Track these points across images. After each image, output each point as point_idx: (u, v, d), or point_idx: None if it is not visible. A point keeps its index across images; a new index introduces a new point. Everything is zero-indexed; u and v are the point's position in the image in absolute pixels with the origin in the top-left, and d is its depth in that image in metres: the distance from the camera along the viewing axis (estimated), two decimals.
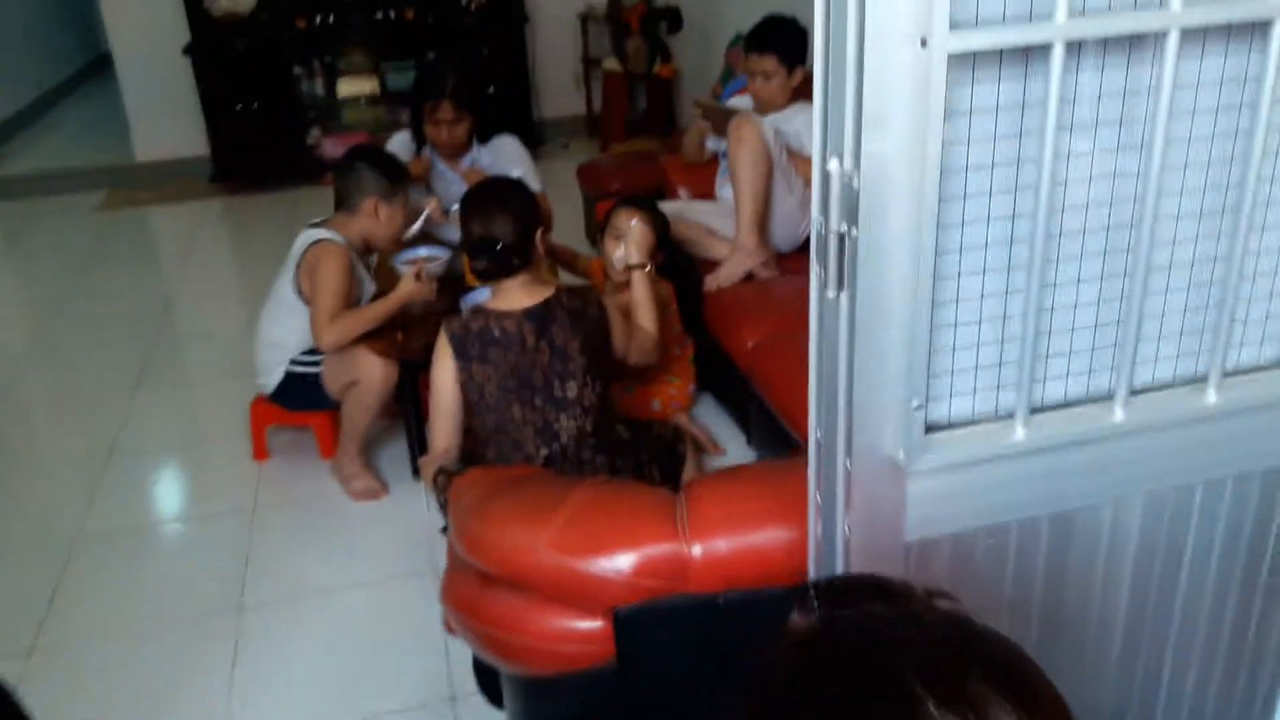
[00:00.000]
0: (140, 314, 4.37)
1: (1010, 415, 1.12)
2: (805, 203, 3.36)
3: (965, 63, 0.96)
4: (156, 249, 5.47)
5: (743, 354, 2.99)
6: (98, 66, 8.50)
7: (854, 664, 0.77)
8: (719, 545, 1.31)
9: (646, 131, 5.80)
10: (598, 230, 4.09)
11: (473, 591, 1.44)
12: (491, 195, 2.45)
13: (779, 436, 2.81)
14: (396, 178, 2.98)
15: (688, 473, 2.71)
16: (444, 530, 2.76)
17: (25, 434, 3.54)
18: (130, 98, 5.91)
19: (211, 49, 5.50)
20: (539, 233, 2.43)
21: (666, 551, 1.31)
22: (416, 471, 3.06)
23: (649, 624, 1.32)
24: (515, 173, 3.46)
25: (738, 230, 3.26)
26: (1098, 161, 1.04)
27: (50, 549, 2.86)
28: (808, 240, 3.48)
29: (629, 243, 2.84)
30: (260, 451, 3.24)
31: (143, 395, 3.69)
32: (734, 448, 3.18)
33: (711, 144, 3.76)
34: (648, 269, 2.79)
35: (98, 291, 4.69)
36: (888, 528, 1.13)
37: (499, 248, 2.32)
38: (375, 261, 3.19)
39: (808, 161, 3.26)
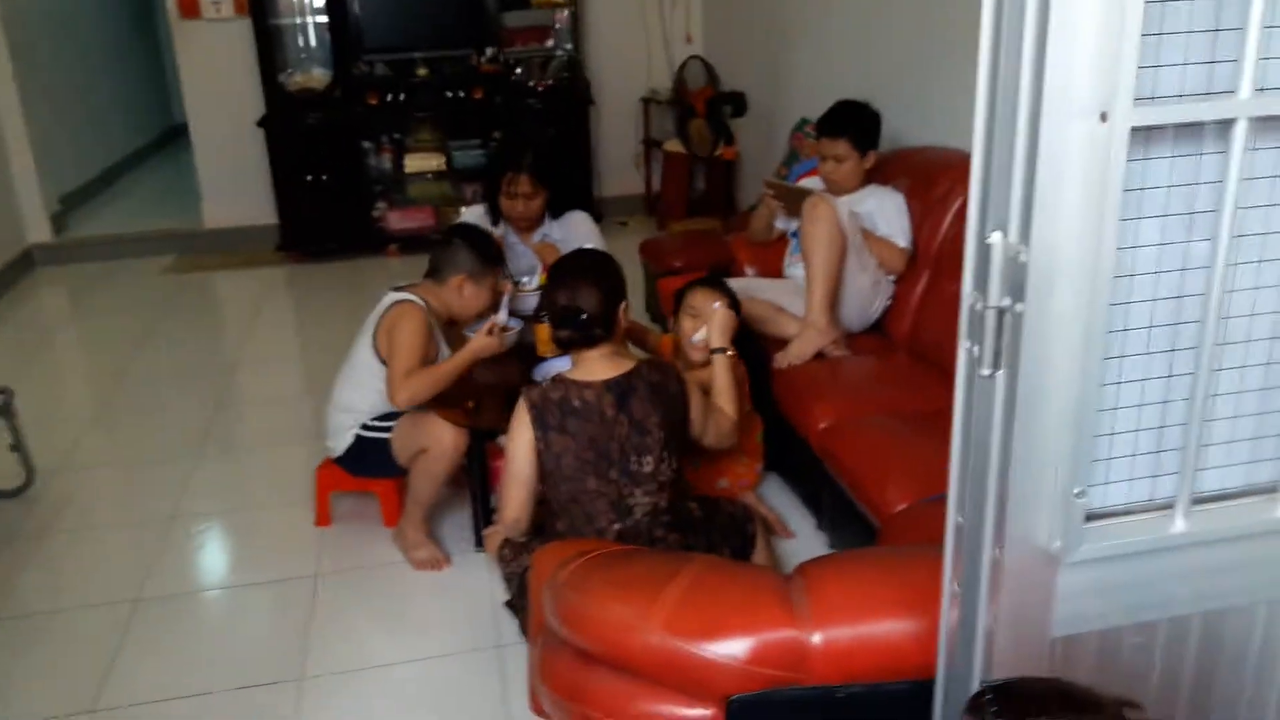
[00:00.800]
0: (205, 377, 4.40)
1: (1168, 505, 1.06)
2: (878, 282, 3.34)
3: (1140, 137, 0.93)
4: (222, 313, 5.54)
5: (815, 434, 2.93)
6: (171, 136, 8.77)
7: None
8: (841, 633, 1.24)
9: (705, 211, 5.84)
10: (659, 306, 4.10)
11: (573, 672, 1.38)
12: (579, 266, 2.46)
13: (852, 519, 2.74)
14: (490, 261, 3.02)
15: (758, 555, 2.64)
16: (507, 604, 2.71)
17: (89, 494, 3.53)
18: (203, 166, 6.06)
19: (284, 122, 5.64)
20: (623, 305, 2.42)
21: (785, 638, 1.24)
22: (479, 543, 3.02)
23: (765, 715, 1.26)
24: (589, 246, 3.48)
25: (809, 309, 3.24)
26: (1271, 244, 1.00)
27: (112, 612, 2.82)
28: (878, 320, 3.46)
29: (712, 326, 2.81)
30: (324, 518, 3.21)
31: (206, 458, 3.69)
32: (804, 530, 3.11)
33: (780, 223, 3.76)
34: (729, 353, 2.77)
35: (163, 354, 4.73)
36: (1034, 622, 1.07)
37: (584, 318, 2.31)
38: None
39: (881, 242, 3.30)
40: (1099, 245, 0.90)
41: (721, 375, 2.71)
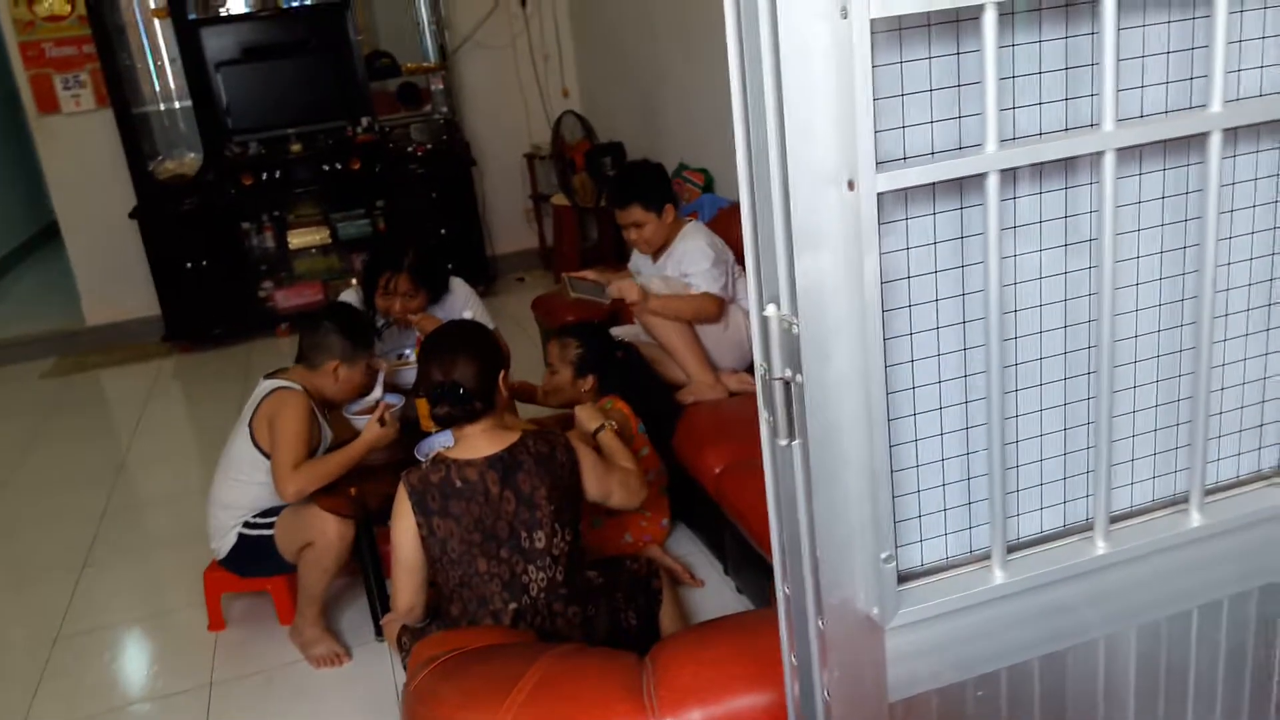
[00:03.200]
0: (90, 482, 4.23)
1: (986, 556, 1.05)
2: (726, 327, 3.36)
3: (898, 198, 0.93)
4: (108, 413, 5.35)
5: (710, 478, 2.92)
6: (47, 235, 8.50)
7: None
8: (692, 718, 1.21)
9: (600, 262, 5.84)
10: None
11: None
12: (451, 340, 2.40)
13: (756, 563, 2.72)
14: (362, 343, 2.96)
15: (666, 611, 2.59)
16: None
17: None
18: (78, 263, 5.89)
19: (158, 211, 5.50)
20: (501, 375, 2.37)
21: None
22: (379, 631, 2.92)
23: None
24: (466, 314, 3.43)
25: (688, 376, 3.29)
26: (1047, 288, 1.00)
27: None
28: None
29: (580, 421, 2.77)
30: (216, 622, 3.09)
31: (92, 568, 3.54)
32: (711, 577, 3.08)
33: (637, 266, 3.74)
34: (606, 428, 2.73)
35: (47, 461, 4.56)
36: (869, 688, 1.04)
37: (461, 393, 2.25)
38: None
39: (688, 302, 3.27)
40: (864, 310, 0.89)
41: (610, 445, 2.68)
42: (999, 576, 1.03)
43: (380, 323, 3.44)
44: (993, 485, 1.01)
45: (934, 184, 0.93)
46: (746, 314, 3.40)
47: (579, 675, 1.30)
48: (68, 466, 4.47)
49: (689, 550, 3.24)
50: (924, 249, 0.96)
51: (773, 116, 0.86)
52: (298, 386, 2.83)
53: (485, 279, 5.83)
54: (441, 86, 5.92)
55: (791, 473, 0.98)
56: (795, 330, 0.90)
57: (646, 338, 3.45)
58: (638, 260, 3.57)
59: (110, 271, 5.81)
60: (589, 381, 3.16)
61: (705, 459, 2.97)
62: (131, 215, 5.50)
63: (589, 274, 3.82)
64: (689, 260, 3.31)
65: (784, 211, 0.88)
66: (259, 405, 2.83)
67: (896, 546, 0.99)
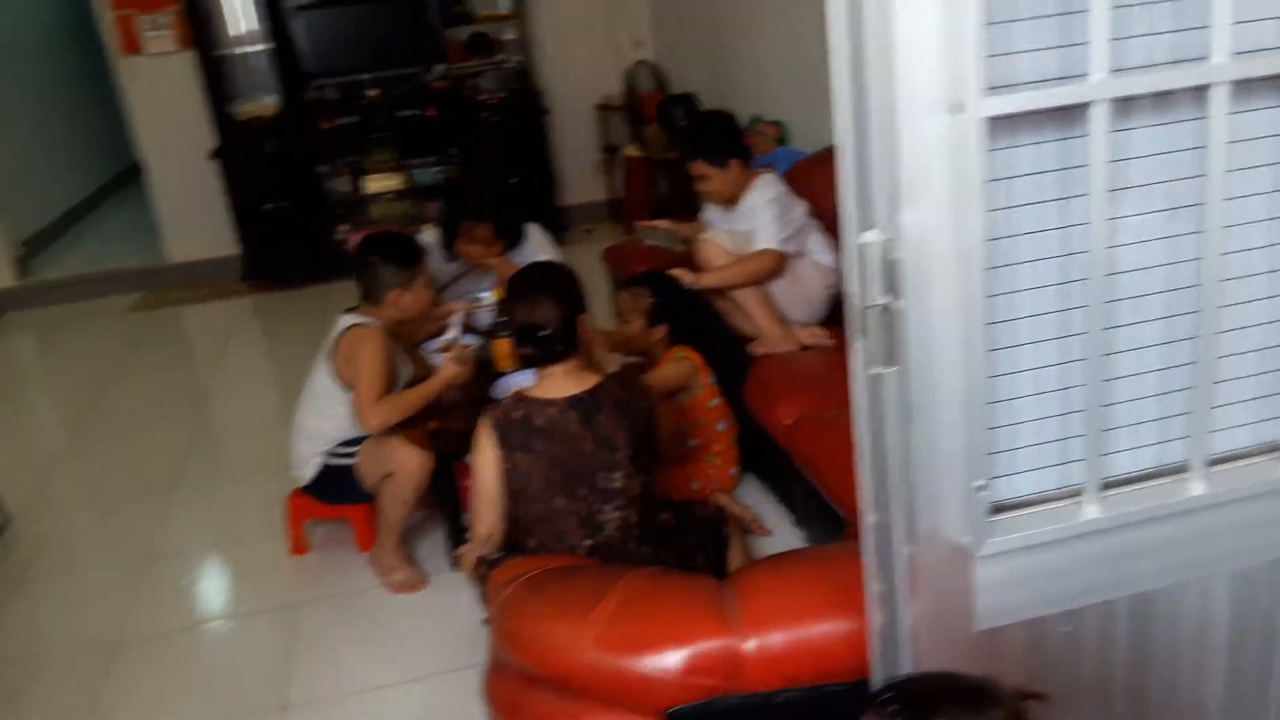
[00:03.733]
0: (176, 412, 4.39)
1: (1079, 493, 1.06)
2: (796, 279, 3.35)
3: (1004, 126, 0.93)
4: (190, 348, 5.52)
5: (782, 430, 2.93)
6: (131, 174, 8.72)
7: None
8: (774, 639, 1.24)
9: (669, 214, 5.82)
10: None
11: (516, 692, 1.38)
12: (536, 282, 2.42)
13: (825, 515, 2.74)
14: (412, 263, 2.98)
15: (734, 557, 2.63)
16: (486, 622, 2.71)
17: (65, 536, 3.53)
18: (161, 201, 6.04)
19: (238, 152, 5.62)
20: (582, 319, 2.40)
21: (718, 647, 1.24)
22: (455, 562, 3.01)
23: None
24: (543, 258, 3.47)
25: (757, 329, 3.29)
26: (1150, 224, 1.00)
27: (94, 654, 2.82)
28: (836, 310, 3.49)
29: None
30: (298, 547, 3.21)
31: (180, 494, 3.68)
32: (780, 528, 3.10)
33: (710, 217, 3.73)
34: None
35: (132, 392, 4.73)
36: (956, 616, 1.06)
37: (545, 335, 2.29)
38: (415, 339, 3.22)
39: (748, 262, 3.27)
40: (967, 237, 0.90)
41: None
42: (1092, 511, 1.05)
43: (458, 269, 3.50)
44: (1090, 420, 1.01)
45: (1040, 112, 0.93)
46: (817, 267, 3.39)
47: (663, 593, 1.34)
48: (154, 396, 4.64)
49: (757, 501, 3.27)
50: (1028, 179, 0.96)
51: (879, 39, 0.87)
52: (375, 322, 2.90)
53: (555, 230, 5.83)
54: (515, 35, 5.92)
55: (885, 401, 1.00)
56: (896, 256, 0.92)
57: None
58: (711, 212, 3.58)
59: (191, 211, 5.95)
60: (660, 330, 3.18)
61: (777, 411, 2.98)
62: (212, 156, 5.62)
63: (662, 224, 3.84)
64: (754, 214, 3.31)
65: (888, 137, 0.89)
66: (338, 341, 2.91)
67: (991, 477, 1.01)
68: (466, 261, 3.47)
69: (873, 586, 1.12)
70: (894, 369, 0.97)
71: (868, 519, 1.10)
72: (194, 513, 3.56)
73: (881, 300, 0.94)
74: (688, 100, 5.30)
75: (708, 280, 3.26)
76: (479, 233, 3.36)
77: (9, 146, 6.33)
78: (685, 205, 5.77)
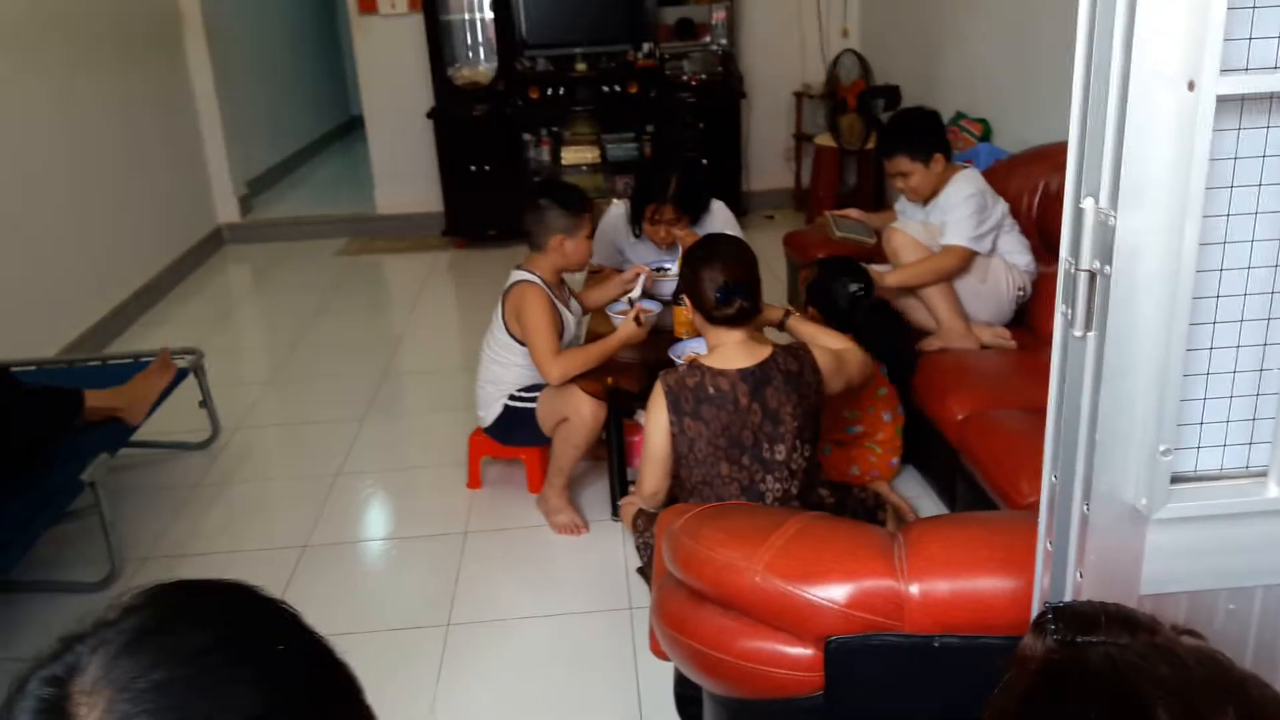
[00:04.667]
0: (371, 350, 4.72)
1: (1263, 473, 1.08)
2: (984, 280, 3.31)
3: (1232, 107, 0.97)
4: (389, 292, 5.90)
5: (952, 426, 2.95)
6: (349, 127, 9.33)
7: (1101, 694, 0.76)
8: (939, 587, 1.30)
9: (855, 205, 5.82)
10: (801, 297, 4.16)
11: (684, 609, 1.49)
12: (730, 247, 2.53)
13: (986, 509, 2.74)
14: (579, 210, 3.08)
15: None
16: (640, 571, 2.85)
17: (265, 450, 3.87)
18: (376, 154, 6.46)
19: (452, 114, 5.94)
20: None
21: (883, 587, 1.32)
22: (616, 512, 3.17)
23: (861, 658, 1.33)
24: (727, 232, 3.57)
25: (939, 324, 3.29)
26: None
27: (283, 555, 3.11)
28: (1023, 311, 3.44)
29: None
30: (474, 481, 3.43)
31: (369, 422, 3.98)
32: None
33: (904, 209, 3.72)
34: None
35: (335, 327, 5.10)
36: (1122, 579, 1.10)
37: (748, 290, 2.39)
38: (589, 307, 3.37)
39: (938, 259, 3.24)
40: (1184, 211, 0.94)
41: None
42: (1274, 490, 1.07)
43: (643, 238, 3.63)
44: None
45: (1273, 95, 0.96)
46: (1009, 267, 3.36)
47: (836, 531, 1.42)
48: (353, 334, 5.00)
49: (916, 493, 3.29)
50: (1252, 161, 0.99)
51: (1122, 21, 0.92)
52: (534, 277, 3.04)
53: (737, 213, 5.91)
54: (723, 18, 6.02)
55: (1080, 364, 1.05)
56: (1112, 223, 0.97)
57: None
58: (904, 203, 3.58)
59: (403, 166, 6.34)
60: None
61: (948, 405, 2.99)
62: (429, 115, 5.96)
63: (853, 213, 3.86)
64: (949, 207, 3.29)
65: (1119, 107, 0.94)
66: (505, 296, 3.09)
67: (1176, 446, 1.04)
68: (651, 242, 3.59)
69: (1043, 545, 1.17)
70: (1093, 333, 1.02)
71: (1047, 480, 1.15)
72: (380, 441, 3.84)
73: (1092, 265, 0.99)
74: (893, 92, 5.28)
75: (893, 279, 3.28)
76: (664, 214, 3.46)
77: (245, 93, 6.86)
78: (872, 199, 5.77)
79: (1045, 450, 1.15)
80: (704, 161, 5.91)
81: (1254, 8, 0.93)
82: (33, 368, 3.64)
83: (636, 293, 3.24)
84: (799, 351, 2.46)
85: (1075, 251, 1.02)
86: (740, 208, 6.10)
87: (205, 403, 3.75)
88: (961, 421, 2.91)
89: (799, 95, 6.24)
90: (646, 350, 3.15)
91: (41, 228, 4.45)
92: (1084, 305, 1.02)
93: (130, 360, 3.68)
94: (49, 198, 4.54)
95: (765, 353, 2.41)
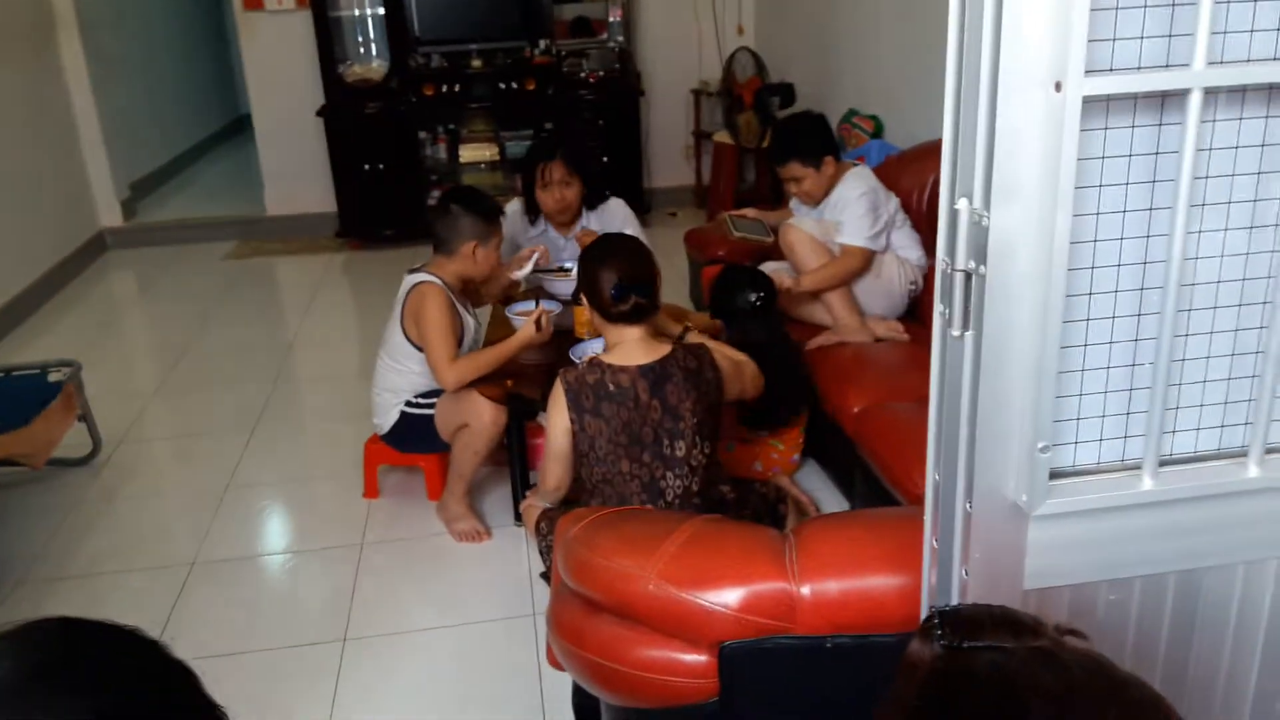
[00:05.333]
0: (262, 357, 4.58)
1: (1137, 466, 1.10)
2: (878, 276, 3.37)
3: (1099, 108, 0.98)
4: (281, 297, 5.73)
5: (848, 418, 2.98)
6: (237, 126, 9.04)
7: (983, 700, 0.76)
8: (829, 587, 1.30)
9: (754, 203, 5.88)
10: (701, 294, 4.16)
11: (578, 619, 1.46)
12: (627, 244, 2.55)
13: (883, 501, 2.78)
14: (492, 218, 3.06)
15: None
16: (544, 575, 2.81)
17: (151, 464, 3.72)
18: (265, 154, 6.27)
19: (343, 112, 5.80)
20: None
21: (775, 589, 1.31)
22: (518, 517, 3.12)
23: (755, 661, 1.32)
24: (626, 231, 3.55)
25: (834, 319, 3.33)
26: (1234, 213, 1.04)
27: (171, 574, 2.98)
28: (914, 304, 3.51)
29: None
30: (371, 490, 3.35)
31: (261, 432, 3.85)
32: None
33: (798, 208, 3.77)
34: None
35: (224, 334, 4.93)
36: (1006, 575, 1.12)
37: (644, 287, 2.38)
38: (484, 299, 3.33)
39: (838, 261, 3.29)
40: (1054, 210, 0.95)
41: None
42: (1148, 484, 1.09)
43: (540, 228, 3.60)
44: (1154, 395, 1.06)
45: (1136, 95, 0.98)
46: (902, 262, 3.42)
47: (727, 536, 1.41)
48: (244, 340, 4.84)
49: (816, 486, 3.32)
50: (1119, 160, 1.01)
51: (990, 17, 0.93)
52: (435, 279, 2.98)
53: (639, 211, 5.92)
54: (620, 16, 6.01)
55: (960, 363, 1.06)
56: (985, 223, 0.97)
57: (794, 273, 3.51)
58: (797, 202, 3.62)
59: (293, 166, 6.17)
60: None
61: (846, 399, 3.02)
62: (318, 114, 5.81)
63: (750, 212, 3.89)
64: (843, 206, 3.34)
65: (989, 109, 0.94)
66: (405, 300, 3.02)
67: (1053, 443, 1.06)
68: (546, 217, 3.57)
69: (929, 543, 1.18)
70: (970, 332, 1.02)
71: (930, 478, 1.16)
72: (272, 452, 3.73)
73: (967, 266, 0.99)
74: (786, 90, 5.33)
75: (805, 285, 3.30)
76: (553, 172, 3.43)
77: (126, 92, 6.59)
78: (771, 195, 5.82)
79: (928, 449, 1.15)
80: (604, 159, 5.89)
81: (1117, 9, 0.94)
82: None
83: (525, 271, 3.22)
84: (698, 350, 2.47)
85: (951, 252, 1.02)
86: (642, 205, 6.10)
87: (84, 416, 3.58)
88: (858, 414, 2.95)
89: (697, 93, 6.27)
90: (549, 352, 3.11)
91: None
92: (961, 305, 1.03)
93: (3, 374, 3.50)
94: None
95: (665, 350, 2.41)
